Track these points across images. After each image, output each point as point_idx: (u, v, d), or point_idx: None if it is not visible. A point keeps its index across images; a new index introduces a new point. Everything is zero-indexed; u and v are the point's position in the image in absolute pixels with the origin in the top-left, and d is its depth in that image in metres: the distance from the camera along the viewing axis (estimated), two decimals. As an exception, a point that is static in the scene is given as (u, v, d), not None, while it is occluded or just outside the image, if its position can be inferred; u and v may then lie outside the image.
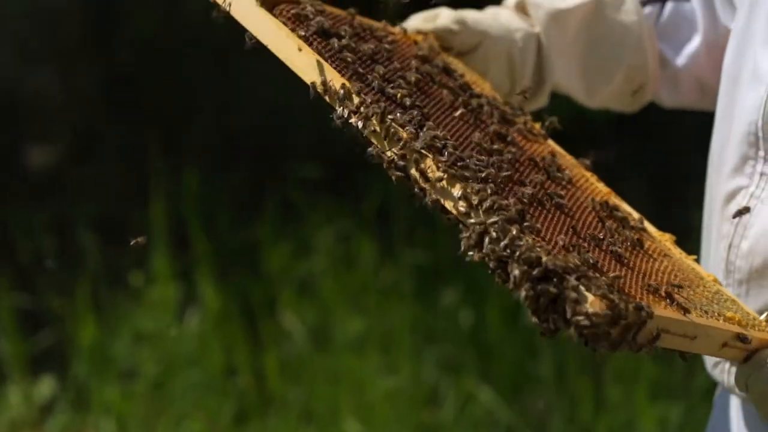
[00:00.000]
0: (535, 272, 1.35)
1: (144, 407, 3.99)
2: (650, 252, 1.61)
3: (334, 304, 4.31)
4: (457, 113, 1.67)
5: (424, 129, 1.54)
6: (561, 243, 1.46)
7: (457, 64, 1.85)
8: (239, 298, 4.37)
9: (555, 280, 1.34)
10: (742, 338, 1.48)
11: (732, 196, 1.71)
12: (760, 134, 1.67)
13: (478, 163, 1.52)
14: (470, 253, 1.41)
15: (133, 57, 5.56)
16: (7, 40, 5.45)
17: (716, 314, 1.51)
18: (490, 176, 1.50)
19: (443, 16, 1.88)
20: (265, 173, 5.00)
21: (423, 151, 1.50)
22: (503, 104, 1.80)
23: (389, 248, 4.46)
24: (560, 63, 1.93)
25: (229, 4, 1.65)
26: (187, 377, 4.07)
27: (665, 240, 1.70)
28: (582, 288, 1.33)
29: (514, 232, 1.39)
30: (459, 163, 1.50)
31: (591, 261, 1.44)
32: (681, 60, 1.94)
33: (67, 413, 4.08)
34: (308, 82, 1.59)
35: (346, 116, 1.55)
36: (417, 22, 1.90)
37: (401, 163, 1.50)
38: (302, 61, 1.60)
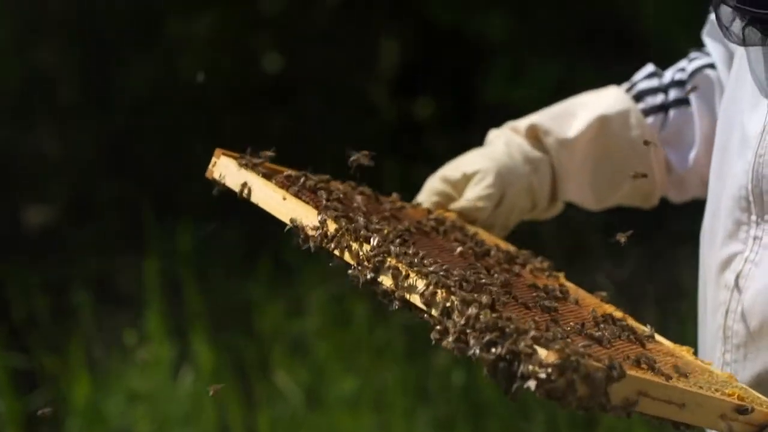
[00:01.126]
0: (491, 335, 1.32)
1: (137, 467, 3.97)
2: (652, 350, 1.55)
3: (327, 363, 4.31)
4: (457, 251, 1.64)
5: (396, 243, 1.51)
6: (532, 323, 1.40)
7: (470, 227, 1.83)
8: (233, 357, 4.36)
9: (509, 340, 1.31)
10: (740, 410, 1.43)
11: (727, 263, 1.73)
12: (751, 198, 1.69)
13: (454, 273, 1.46)
14: (441, 343, 1.38)
15: (128, 116, 5.58)
16: (4, 100, 5.48)
17: (713, 390, 1.48)
18: (460, 277, 1.45)
19: (467, 196, 1.89)
20: (259, 232, 5.00)
21: (389, 257, 1.47)
22: (516, 252, 1.77)
23: (382, 308, 4.45)
24: (571, 183, 1.98)
25: (224, 177, 1.73)
26: (181, 437, 4.05)
27: (682, 350, 1.63)
28: (536, 346, 1.30)
29: (474, 311, 1.36)
30: (426, 264, 1.47)
31: (559, 335, 1.38)
32: (686, 164, 1.97)
33: (60, 473, 4.06)
34: (288, 221, 1.60)
35: (320, 241, 1.54)
36: (435, 190, 1.91)
37: (372, 275, 1.49)
38: (286, 207, 1.62)
